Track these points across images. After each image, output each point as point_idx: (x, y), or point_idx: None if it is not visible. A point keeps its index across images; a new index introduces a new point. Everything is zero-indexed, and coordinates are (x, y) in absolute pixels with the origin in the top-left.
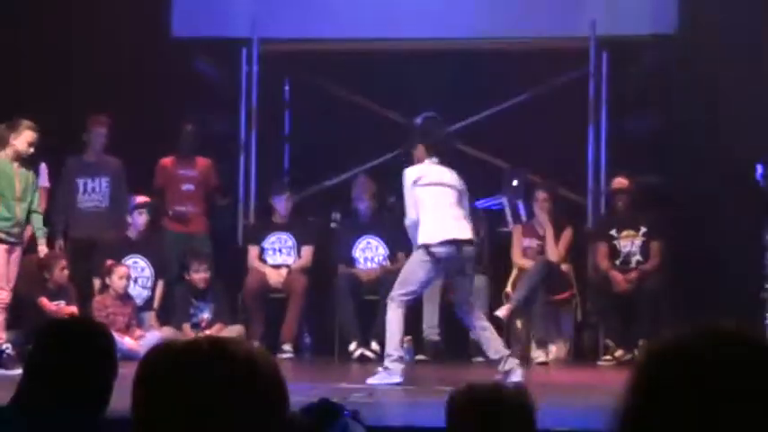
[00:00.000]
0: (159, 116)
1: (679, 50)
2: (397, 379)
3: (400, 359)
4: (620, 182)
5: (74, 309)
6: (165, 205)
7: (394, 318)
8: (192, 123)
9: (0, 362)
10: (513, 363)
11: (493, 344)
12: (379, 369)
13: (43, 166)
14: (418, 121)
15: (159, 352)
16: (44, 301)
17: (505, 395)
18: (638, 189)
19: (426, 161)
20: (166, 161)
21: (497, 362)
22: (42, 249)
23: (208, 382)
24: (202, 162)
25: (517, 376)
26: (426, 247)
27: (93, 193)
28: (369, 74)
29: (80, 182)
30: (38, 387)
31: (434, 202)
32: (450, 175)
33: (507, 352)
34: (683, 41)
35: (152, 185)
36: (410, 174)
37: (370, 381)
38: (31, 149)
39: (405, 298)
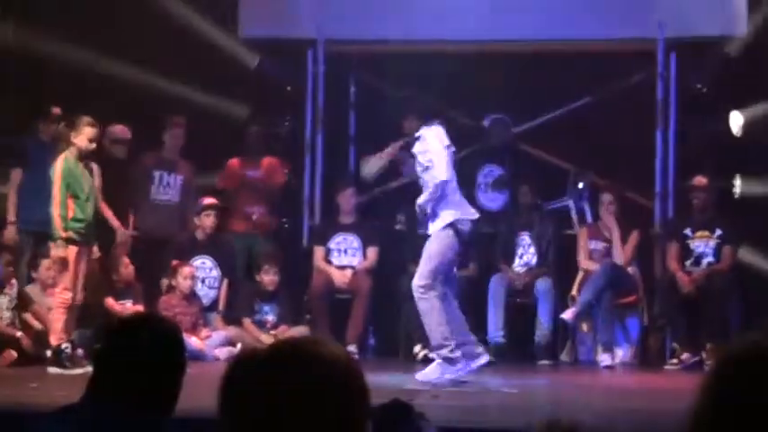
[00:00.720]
0: (226, 116)
1: (748, 52)
2: (481, 361)
3: (460, 345)
4: (700, 180)
5: (139, 308)
6: (231, 206)
7: (431, 307)
8: (256, 124)
9: (59, 361)
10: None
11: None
12: (437, 362)
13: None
14: (486, 122)
15: (246, 356)
16: (110, 301)
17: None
18: (714, 190)
19: None
20: (234, 162)
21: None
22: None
23: (293, 385)
24: (267, 162)
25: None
26: (453, 224)
27: (167, 186)
28: (435, 75)
29: (156, 174)
30: (106, 386)
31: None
32: None
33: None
34: (752, 43)
35: (219, 186)
36: (437, 134)
37: (422, 376)
38: (93, 145)
39: (437, 285)
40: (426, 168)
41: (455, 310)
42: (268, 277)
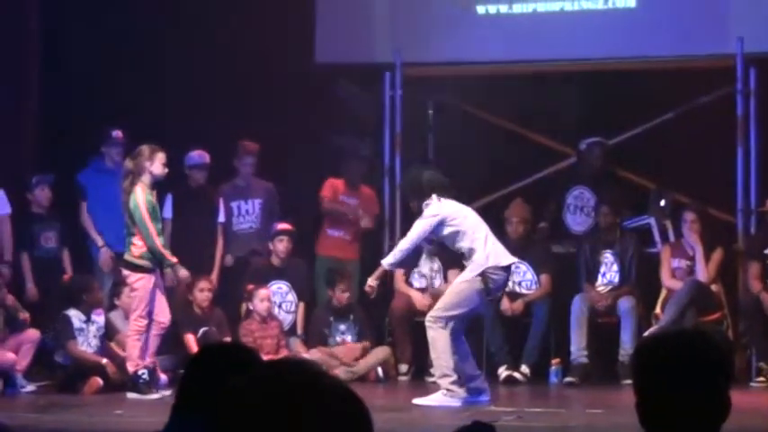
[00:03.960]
0: (304, 140)
1: None
2: (484, 398)
3: (469, 380)
4: None
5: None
6: (320, 229)
7: (440, 337)
8: (363, 151)
9: (137, 387)
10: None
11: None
12: (442, 391)
13: (220, 202)
14: (583, 146)
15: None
16: (188, 338)
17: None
18: None
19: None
20: (336, 182)
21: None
22: (185, 273)
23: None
24: (366, 191)
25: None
26: (484, 272)
27: (246, 215)
28: (511, 95)
29: (234, 205)
30: (189, 413)
31: (482, 223)
32: None
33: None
34: None
35: (318, 201)
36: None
37: (420, 401)
38: (166, 169)
39: (452, 321)
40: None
41: (464, 344)
42: (341, 293)
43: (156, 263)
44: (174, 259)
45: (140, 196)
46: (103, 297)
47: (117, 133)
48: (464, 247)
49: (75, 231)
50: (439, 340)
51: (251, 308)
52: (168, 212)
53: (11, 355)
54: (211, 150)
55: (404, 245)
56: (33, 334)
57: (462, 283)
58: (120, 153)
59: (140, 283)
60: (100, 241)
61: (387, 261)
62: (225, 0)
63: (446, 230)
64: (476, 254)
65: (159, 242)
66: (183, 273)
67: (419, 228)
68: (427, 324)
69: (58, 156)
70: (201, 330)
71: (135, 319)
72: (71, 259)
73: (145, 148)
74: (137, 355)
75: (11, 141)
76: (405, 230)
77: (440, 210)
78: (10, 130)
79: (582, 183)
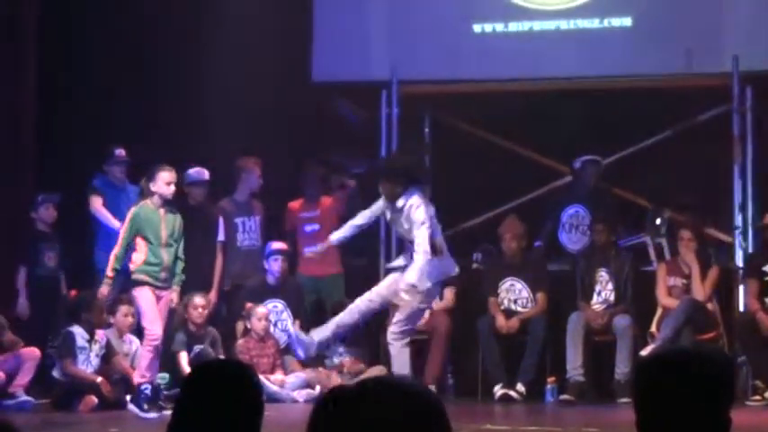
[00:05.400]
0: (299, 160)
1: None
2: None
3: None
4: None
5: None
6: (296, 249)
7: (404, 353)
8: (313, 165)
9: (138, 402)
10: None
11: None
12: None
13: (220, 220)
14: (577, 164)
15: (335, 394)
16: (181, 356)
17: None
18: None
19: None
20: (293, 205)
21: None
22: (174, 298)
23: (382, 421)
24: (326, 202)
25: None
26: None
27: (250, 231)
28: (508, 114)
29: (238, 221)
30: (186, 430)
31: None
32: None
33: None
34: None
35: (283, 230)
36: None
37: None
38: (172, 188)
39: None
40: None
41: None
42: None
43: (157, 280)
44: (110, 275)
45: (131, 211)
46: (105, 317)
47: (120, 152)
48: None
49: (80, 248)
50: (404, 355)
51: (248, 326)
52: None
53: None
54: (208, 168)
55: (422, 257)
56: (34, 352)
57: (418, 293)
58: (123, 171)
59: (138, 296)
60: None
61: (413, 279)
62: (221, 19)
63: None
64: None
65: (116, 250)
66: (102, 290)
67: (421, 216)
68: (392, 340)
69: (59, 175)
70: (195, 349)
71: (150, 330)
72: (67, 281)
73: (151, 169)
74: (145, 366)
75: (10, 158)
76: (401, 249)
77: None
78: (9, 146)
79: (577, 201)
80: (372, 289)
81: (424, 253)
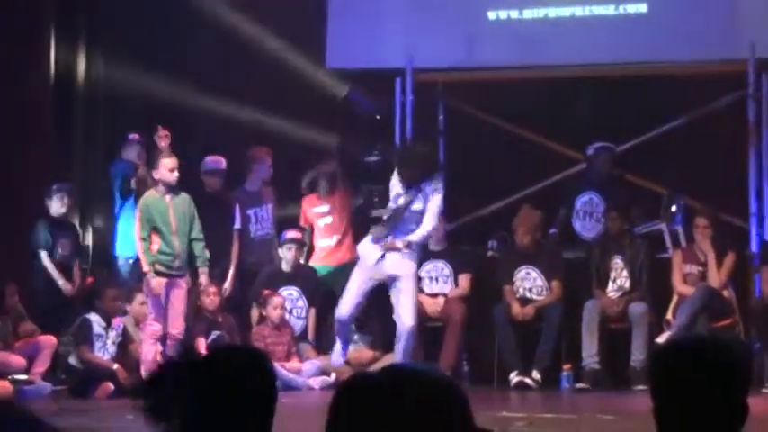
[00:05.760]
0: (314, 147)
1: None
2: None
3: None
4: None
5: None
6: (311, 241)
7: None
8: (324, 160)
9: None
10: None
11: None
12: None
13: (236, 208)
14: (590, 151)
15: (354, 383)
16: (200, 342)
17: None
18: None
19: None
20: (307, 200)
21: None
22: (204, 280)
23: (406, 408)
24: (339, 194)
25: None
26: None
27: (262, 221)
28: (523, 101)
29: (251, 212)
30: (200, 417)
31: None
32: None
33: None
34: None
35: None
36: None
37: None
38: (175, 174)
39: None
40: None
41: None
42: None
43: (171, 269)
44: (146, 269)
45: (139, 204)
46: (120, 304)
47: (134, 136)
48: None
49: (97, 236)
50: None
51: (264, 314)
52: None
53: (20, 360)
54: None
55: (430, 223)
56: (51, 339)
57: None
58: (141, 155)
59: (157, 287)
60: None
61: (414, 238)
62: (237, 7)
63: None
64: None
65: (140, 247)
66: (153, 282)
67: (438, 203)
68: (408, 336)
69: (75, 162)
70: (212, 335)
71: (149, 323)
72: (80, 268)
73: (152, 159)
74: (151, 359)
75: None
76: None
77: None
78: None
79: (591, 188)
80: (349, 298)
81: (431, 231)
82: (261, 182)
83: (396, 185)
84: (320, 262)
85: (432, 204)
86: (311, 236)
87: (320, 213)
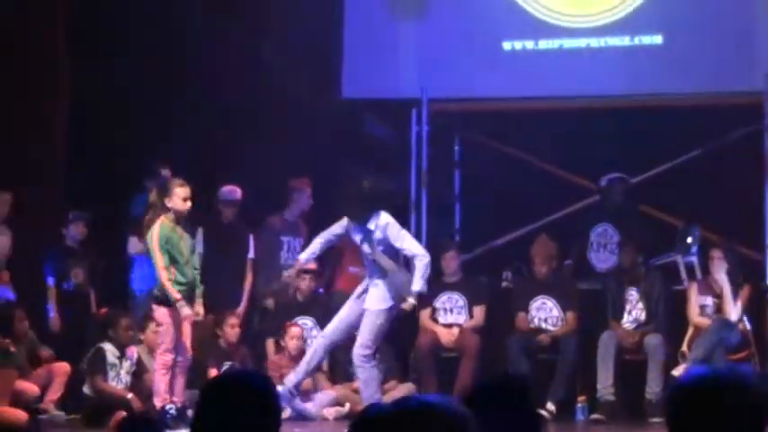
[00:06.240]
0: (329, 177)
1: None
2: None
3: None
4: None
5: None
6: (339, 265)
7: (374, 376)
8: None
9: (165, 422)
10: None
11: None
12: None
13: (251, 238)
14: (603, 182)
15: (368, 415)
16: (212, 373)
17: None
18: None
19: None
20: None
21: None
22: (200, 310)
23: None
24: None
25: None
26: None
27: (293, 251)
28: (538, 132)
29: (284, 240)
30: None
31: None
32: None
33: None
34: None
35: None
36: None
37: None
38: (188, 204)
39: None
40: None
41: None
42: None
43: (184, 299)
44: (178, 296)
45: (156, 230)
46: (133, 334)
47: (166, 172)
48: (387, 266)
49: (110, 265)
50: (374, 379)
51: (282, 344)
52: (200, 246)
53: (34, 388)
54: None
55: (423, 261)
56: (64, 367)
57: (382, 313)
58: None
59: (164, 317)
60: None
61: (418, 287)
62: (252, 35)
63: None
64: (396, 276)
65: (165, 276)
66: (186, 311)
67: (405, 236)
68: (359, 364)
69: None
70: (225, 366)
71: (161, 353)
72: (97, 297)
73: (166, 184)
74: (164, 389)
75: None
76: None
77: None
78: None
79: (605, 219)
80: (334, 321)
81: (423, 257)
82: (300, 212)
83: (343, 224)
84: (346, 287)
85: (403, 243)
86: (341, 258)
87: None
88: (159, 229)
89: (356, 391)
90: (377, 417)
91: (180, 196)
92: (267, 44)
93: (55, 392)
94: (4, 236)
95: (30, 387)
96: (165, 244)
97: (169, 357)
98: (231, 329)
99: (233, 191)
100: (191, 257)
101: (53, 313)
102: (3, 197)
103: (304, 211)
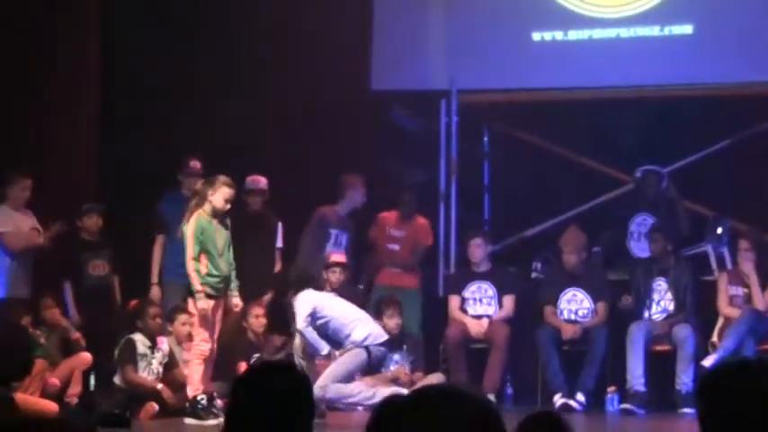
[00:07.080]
0: (358, 168)
1: None
2: None
3: None
4: None
5: None
6: (378, 259)
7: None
8: (411, 186)
9: (195, 412)
10: None
11: None
12: None
13: (279, 226)
14: (638, 174)
15: (390, 404)
16: (241, 365)
17: None
18: None
19: None
20: (385, 216)
21: None
22: (238, 302)
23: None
24: (420, 222)
25: None
26: (368, 346)
27: (339, 245)
28: (567, 122)
29: (333, 232)
30: None
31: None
32: None
33: None
34: None
35: (369, 236)
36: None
37: None
38: (228, 206)
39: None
40: None
41: None
42: (391, 321)
43: (218, 291)
44: (199, 288)
45: (192, 224)
46: (161, 322)
47: (195, 164)
48: (341, 334)
49: (132, 257)
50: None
51: None
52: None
53: (55, 382)
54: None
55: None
56: (86, 358)
57: (348, 356)
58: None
59: (195, 308)
60: (155, 277)
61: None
62: (281, 27)
63: (318, 322)
64: (354, 334)
65: (192, 266)
66: (202, 303)
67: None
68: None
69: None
70: (254, 358)
71: (197, 344)
72: (122, 287)
73: (215, 179)
74: (197, 379)
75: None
76: (459, 258)
77: (312, 300)
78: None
79: (645, 209)
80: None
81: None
82: (352, 208)
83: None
84: (385, 281)
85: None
86: (380, 252)
87: (394, 237)
88: (195, 222)
89: (385, 381)
90: (397, 406)
91: (224, 195)
92: (296, 37)
93: (76, 385)
94: (26, 220)
95: (52, 382)
96: (200, 235)
97: (206, 347)
98: (256, 320)
99: (256, 180)
100: (226, 251)
101: (72, 311)
102: (24, 182)
103: (357, 207)
